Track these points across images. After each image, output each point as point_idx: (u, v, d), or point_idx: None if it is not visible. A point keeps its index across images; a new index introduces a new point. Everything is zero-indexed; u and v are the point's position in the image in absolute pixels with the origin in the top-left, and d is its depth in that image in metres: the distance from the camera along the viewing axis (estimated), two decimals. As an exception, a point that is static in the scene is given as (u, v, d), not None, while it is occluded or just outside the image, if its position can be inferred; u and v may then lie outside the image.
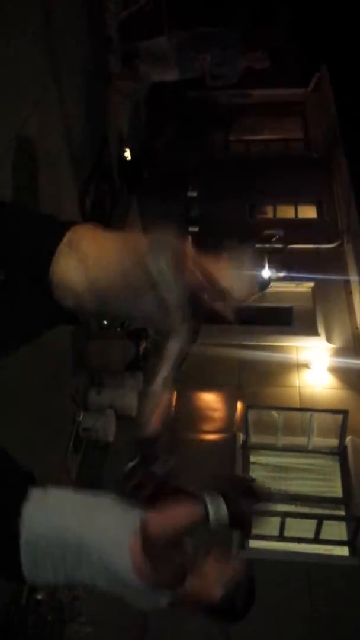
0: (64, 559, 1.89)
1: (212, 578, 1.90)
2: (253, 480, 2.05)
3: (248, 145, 9.83)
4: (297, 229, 8.31)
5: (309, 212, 8.94)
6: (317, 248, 8.00)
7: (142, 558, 1.81)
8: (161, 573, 1.84)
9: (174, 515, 1.87)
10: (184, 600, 1.92)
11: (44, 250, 2.25)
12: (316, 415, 5.87)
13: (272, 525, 5.23)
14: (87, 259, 2.23)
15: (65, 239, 2.25)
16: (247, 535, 2.00)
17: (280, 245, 7.58)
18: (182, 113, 9.13)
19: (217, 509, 1.83)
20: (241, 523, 1.92)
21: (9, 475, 2.12)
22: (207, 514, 1.83)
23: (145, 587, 1.85)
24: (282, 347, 6.83)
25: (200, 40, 5.44)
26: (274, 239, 7.67)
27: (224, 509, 1.84)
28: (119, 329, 6.02)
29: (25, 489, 2.00)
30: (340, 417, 5.84)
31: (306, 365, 6.61)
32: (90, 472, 5.43)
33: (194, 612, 1.96)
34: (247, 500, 1.90)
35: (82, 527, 1.91)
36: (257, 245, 7.53)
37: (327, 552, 5.23)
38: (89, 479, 5.37)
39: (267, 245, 7.48)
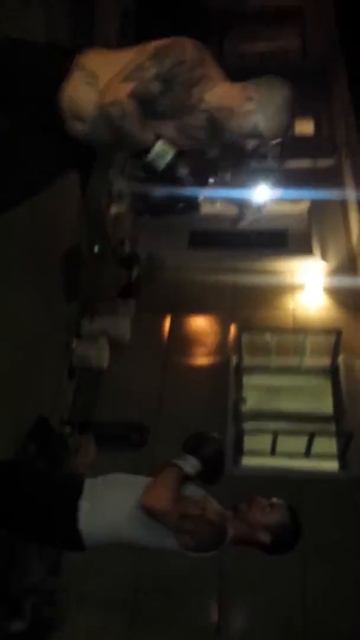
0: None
1: (261, 526, 2.16)
2: (208, 432, 2.31)
3: (243, 56, 9.40)
4: (293, 144, 8.07)
5: (306, 127, 8.64)
6: (314, 164, 7.80)
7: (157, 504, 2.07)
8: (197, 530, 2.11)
9: (162, 478, 2.12)
10: (236, 541, 2.18)
11: (54, 74, 2.20)
12: (309, 335, 5.91)
13: (264, 442, 5.38)
14: (97, 79, 2.17)
15: (76, 62, 2.20)
16: (221, 472, 2.26)
17: (275, 163, 7.38)
18: (174, 20, 8.69)
19: (186, 461, 2.16)
20: (212, 464, 2.23)
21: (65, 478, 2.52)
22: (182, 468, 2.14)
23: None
24: (277, 269, 6.78)
25: None
26: (269, 155, 7.46)
27: (191, 459, 2.17)
28: (113, 254, 5.99)
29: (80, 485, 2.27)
30: (333, 336, 5.87)
31: (301, 287, 6.58)
32: (85, 398, 5.55)
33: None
34: (209, 446, 2.23)
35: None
36: (252, 164, 7.38)
37: (318, 468, 5.39)
38: (82, 404, 5.50)
39: (262, 164, 7.29)
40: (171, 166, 2.19)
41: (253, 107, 2.10)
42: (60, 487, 2.30)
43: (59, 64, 2.23)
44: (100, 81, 2.16)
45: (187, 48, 2.12)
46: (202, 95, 2.15)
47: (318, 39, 9.18)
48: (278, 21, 9.51)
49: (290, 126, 2.16)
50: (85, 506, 2.17)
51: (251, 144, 2.16)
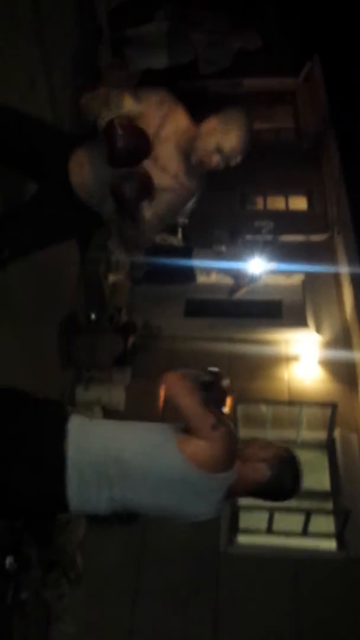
0: (107, 473, 2.01)
1: (258, 460, 2.11)
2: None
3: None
4: (288, 220, 8.27)
5: (299, 203, 8.90)
6: (308, 239, 7.97)
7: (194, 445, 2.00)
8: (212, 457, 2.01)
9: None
10: (236, 485, 2.08)
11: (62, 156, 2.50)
12: (305, 408, 5.86)
13: (260, 520, 5.25)
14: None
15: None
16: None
17: (270, 237, 7.54)
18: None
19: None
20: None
21: (47, 403, 2.25)
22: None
23: (200, 474, 2.01)
24: (272, 340, 6.81)
25: (190, 24, 5.37)
26: (264, 230, 7.64)
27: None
28: (109, 322, 5.99)
29: (64, 412, 2.12)
30: (329, 410, 5.83)
31: (295, 358, 6.59)
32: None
33: (246, 495, 2.21)
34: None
35: (124, 437, 2.08)
36: (248, 237, 7.53)
37: (315, 546, 5.24)
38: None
39: (258, 237, 7.45)
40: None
41: (214, 127, 2.35)
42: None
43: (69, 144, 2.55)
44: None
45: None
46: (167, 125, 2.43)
47: (310, 119, 9.58)
48: (273, 102, 9.94)
49: (248, 143, 2.42)
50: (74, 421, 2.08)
51: (215, 160, 2.39)
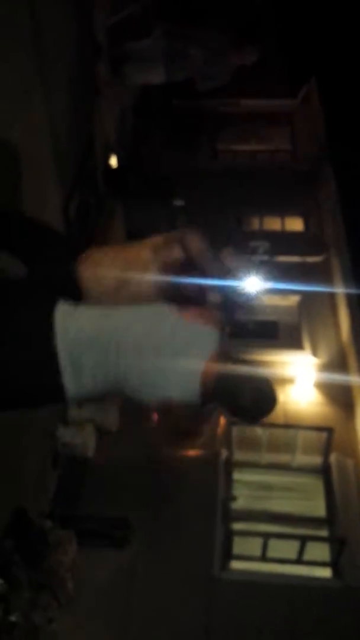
0: (104, 355, 1.72)
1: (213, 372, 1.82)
2: None
3: (235, 155, 9.75)
4: (283, 241, 8.23)
5: (295, 224, 8.88)
6: (303, 260, 7.93)
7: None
8: None
9: None
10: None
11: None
12: (301, 432, 5.77)
13: (254, 546, 5.12)
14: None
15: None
16: None
17: (266, 257, 7.49)
18: (168, 121, 9.04)
19: None
20: None
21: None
22: None
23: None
24: (267, 361, 6.72)
25: (188, 40, 5.34)
26: (259, 250, 7.60)
27: None
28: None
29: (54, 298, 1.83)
30: (324, 434, 5.74)
31: (291, 381, 6.51)
32: (68, 488, 5.27)
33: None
34: None
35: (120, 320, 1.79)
36: (243, 257, 7.48)
37: (310, 574, 5.12)
38: (65, 496, 5.22)
39: (253, 257, 7.40)
40: None
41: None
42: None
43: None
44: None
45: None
46: None
47: (307, 141, 9.60)
48: (270, 123, 9.95)
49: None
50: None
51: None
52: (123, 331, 1.77)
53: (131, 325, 1.78)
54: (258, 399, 1.82)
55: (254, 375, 1.82)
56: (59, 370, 1.77)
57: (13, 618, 4.08)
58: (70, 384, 1.80)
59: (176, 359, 1.83)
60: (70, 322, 1.76)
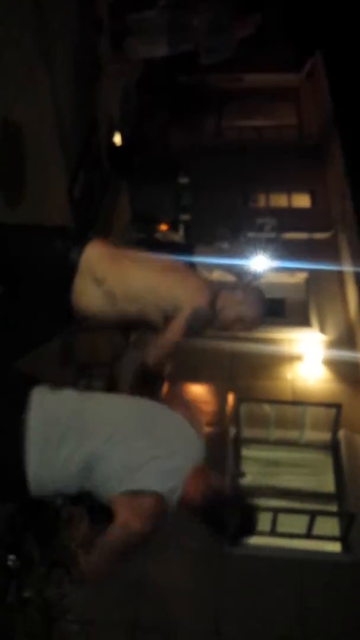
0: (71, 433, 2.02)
1: (198, 489, 2.08)
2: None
3: (240, 132, 9.65)
4: (290, 217, 8.17)
5: (302, 201, 8.80)
6: (311, 237, 7.88)
7: None
8: None
9: None
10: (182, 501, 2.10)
11: (61, 283, 2.41)
12: (309, 408, 5.78)
13: (264, 521, 5.15)
14: (104, 282, 2.39)
15: (80, 268, 2.39)
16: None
17: (272, 234, 7.45)
18: (173, 98, 8.94)
19: None
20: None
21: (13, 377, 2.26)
22: None
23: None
24: (275, 339, 6.71)
25: (191, 11, 5.26)
26: (266, 227, 7.55)
27: None
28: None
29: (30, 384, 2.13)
30: (333, 410, 5.74)
31: (299, 358, 6.50)
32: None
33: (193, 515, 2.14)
34: None
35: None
36: (250, 234, 7.44)
37: (319, 548, 5.15)
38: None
39: (260, 234, 7.36)
40: None
41: (239, 299, 2.56)
42: None
43: (66, 270, 2.41)
44: (106, 284, 2.40)
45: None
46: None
47: (313, 116, 9.48)
48: (275, 98, 9.83)
49: (263, 315, 2.66)
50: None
51: (236, 326, 2.60)
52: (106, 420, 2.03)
53: (116, 415, 2.05)
54: (243, 527, 2.15)
55: (240, 503, 2.11)
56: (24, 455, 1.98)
57: (26, 594, 4.14)
58: (32, 469, 1.96)
59: (159, 460, 2.05)
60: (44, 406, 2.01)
